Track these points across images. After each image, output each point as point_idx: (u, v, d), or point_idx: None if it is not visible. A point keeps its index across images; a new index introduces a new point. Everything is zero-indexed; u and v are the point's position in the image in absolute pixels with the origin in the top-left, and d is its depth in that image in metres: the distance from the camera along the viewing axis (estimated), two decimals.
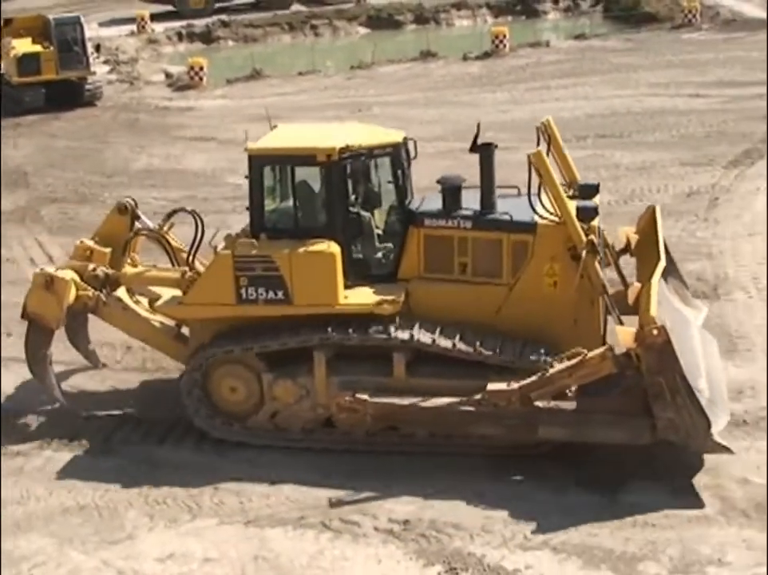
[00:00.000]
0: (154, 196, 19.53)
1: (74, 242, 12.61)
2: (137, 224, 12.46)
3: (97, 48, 31.65)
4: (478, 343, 10.53)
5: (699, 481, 10.22)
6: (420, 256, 11.10)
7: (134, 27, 39.41)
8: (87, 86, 28.57)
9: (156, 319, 11.97)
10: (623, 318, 10.45)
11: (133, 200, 12.69)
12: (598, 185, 11.48)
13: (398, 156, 11.20)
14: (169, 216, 12.44)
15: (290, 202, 11.25)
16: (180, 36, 38.80)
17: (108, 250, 12.26)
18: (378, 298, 10.81)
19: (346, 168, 10.91)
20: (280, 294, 10.80)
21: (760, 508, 9.77)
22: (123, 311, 11.89)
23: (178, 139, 24.71)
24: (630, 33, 37.08)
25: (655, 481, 10.22)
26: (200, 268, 11.72)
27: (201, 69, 31.25)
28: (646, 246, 11.41)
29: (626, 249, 11.89)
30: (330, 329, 10.73)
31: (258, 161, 11.10)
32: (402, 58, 34.45)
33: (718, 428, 9.92)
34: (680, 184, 18.82)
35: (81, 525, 10.12)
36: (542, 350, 10.53)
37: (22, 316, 11.94)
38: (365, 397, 10.61)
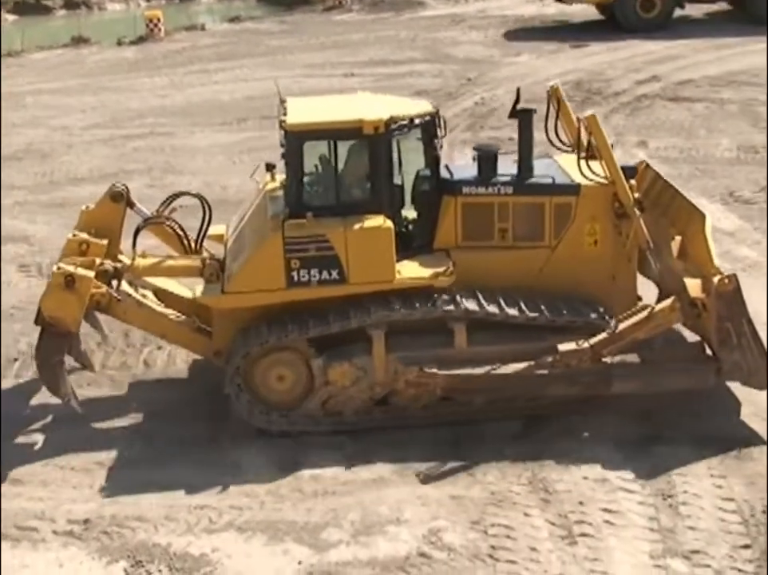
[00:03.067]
0: None
1: None
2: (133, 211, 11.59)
3: None
4: (543, 307, 10.50)
5: (374, 440, 10.58)
6: (457, 225, 10.90)
7: None
8: None
9: (172, 312, 11.17)
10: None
11: (125, 186, 11.72)
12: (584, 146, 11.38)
13: (433, 125, 10.82)
14: (171, 200, 11.65)
15: (333, 178, 10.67)
16: None
17: (104, 242, 11.21)
18: (431, 270, 10.54)
19: (391, 140, 10.53)
20: (335, 274, 10.30)
21: (431, 463, 10.26)
22: (138, 307, 11.02)
23: None
24: (283, 15, 37.66)
25: (334, 449, 10.53)
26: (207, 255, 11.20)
27: None
28: (663, 202, 11.31)
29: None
30: (394, 305, 10.36)
31: (297, 137, 10.37)
32: (54, 45, 33.21)
33: None
34: None
35: None
36: (600, 309, 10.63)
37: (36, 322, 10.84)
38: (434, 370, 10.35)
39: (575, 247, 10.91)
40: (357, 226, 10.28)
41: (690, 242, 10.90)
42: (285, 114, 10.56)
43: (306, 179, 10.61)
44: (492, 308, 10.44)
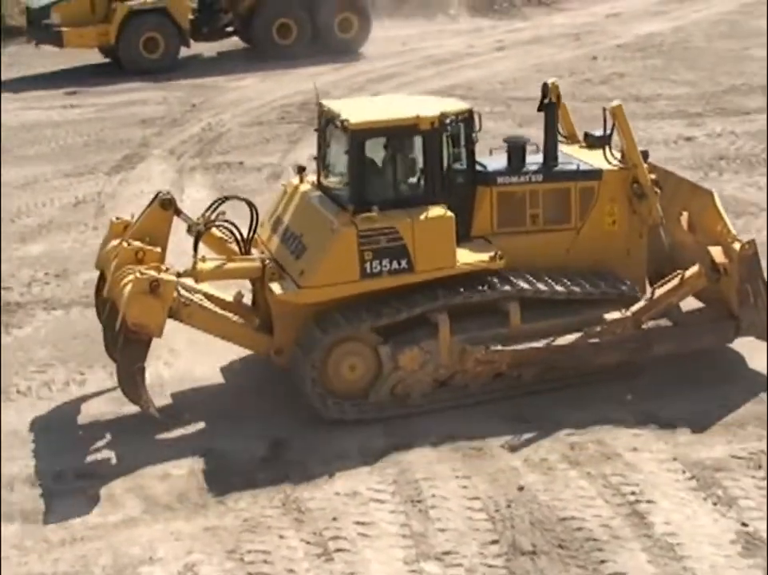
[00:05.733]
0: None
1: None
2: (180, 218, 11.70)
3: None
4: (585, 284, 11.46)
5: (120, 486, 10.31)
6: (493, 213, 11.65)
7: None
8: None
9: (231, 314, 11.35)
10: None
11: (170, 193, 11.83)
12: (606, 135, 12.07)
13: (472, 122, 11.50)
14: (218, 204, 11.60)
15: (391, 172, 11.28)
16: None
17: (159, 249, 11.35)
18: (485, 255, 11.26)
19: (443, 135, 11.17)
20: (404, 263, 10.90)
21: (183, 498, 10.10)
22: (202, 310, 11.18)
23: None
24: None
25: (79, 495, 10.13)
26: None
27: None
28: (669, 187, 12.17)
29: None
30: (458, 289, 11.03)
31: (360, 136, 10.95)
32: None
33: None
34: (66, 195, 18.70)
35: None
36: (627, 281, 11.68)
37: (119, 330, 10.64)
38: (499, 347, 11.02)
39: (597, 227, 11.92)
40: (422, 216, 10.97)
41: (700, 217, 11.92)
42: (339, 116, 11.08)
43: (368, 175, 11.19)
44: (541, 286, 11.31)
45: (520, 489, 10.00)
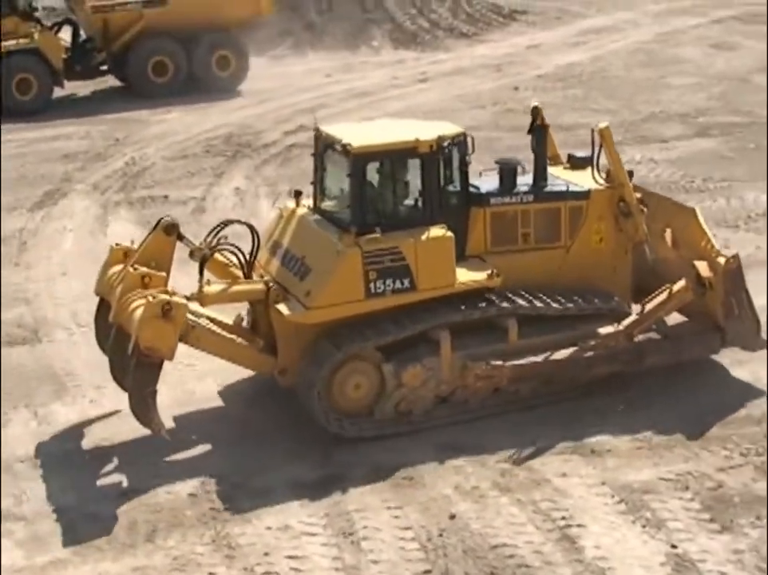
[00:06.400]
0: None
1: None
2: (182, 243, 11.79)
3: None
4: (579, 300, 11.85)
5: (48, 526, 10.11)
6: (486, 233, 11.96)
7: None
8: None
9: (235, 337, 11.48)
10: None
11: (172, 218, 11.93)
12: (590, 156, 12.48)
13: (465, 144, 11.80)
14: (220, 228, 11.78)
15: (391, 194, 11.59)
16: None
17: (164, 274, 11.46)
18: (483, 273, 11.58)
19: (441, 158, 11.45)
20: (406, 282, 11.14)
21: (111, 538, 9.92)
22: (210, 334, 11.29)
23: None
24: None
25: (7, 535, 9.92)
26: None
27: None
28: (651, 206, 12.49)
29: None
30: (459, 307, 11.34)
31: (361, 159, 11.23)
32: None
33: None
34: None
35: None
36: (615, 297, 12.10)
37: (132, 354, 10.59)
38: (499, 362, 11.33)
39: (585, 245, 12.33)
40: (424, 237, 11.26)
41: (684, 233, 12.36)
42: (341, 141, 11.31)
43: (369, 197, 11.46)
44: (538, 303, 11.66)
45: (452, 517, 10.01)
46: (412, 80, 29.46)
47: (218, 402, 12.38)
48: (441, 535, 9.76)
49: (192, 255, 11.75)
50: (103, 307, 11.94)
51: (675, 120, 23.60)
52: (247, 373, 12.27)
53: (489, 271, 11.60)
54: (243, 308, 12.16)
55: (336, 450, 11.15)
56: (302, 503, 10.31)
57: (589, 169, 12.57)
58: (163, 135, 24.47)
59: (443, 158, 11.59)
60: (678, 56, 30.48)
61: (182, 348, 11.11)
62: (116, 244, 12.24)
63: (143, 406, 10.78)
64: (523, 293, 11.73)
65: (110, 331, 11.58)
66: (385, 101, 27.16)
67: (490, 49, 33.59)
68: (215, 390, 12.56)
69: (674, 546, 9.51)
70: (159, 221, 11.89)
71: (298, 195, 12.35)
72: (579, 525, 9.83)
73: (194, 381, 12.68)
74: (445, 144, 11.53)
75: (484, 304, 11.51)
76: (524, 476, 10.65)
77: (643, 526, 9.80)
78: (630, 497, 10.24)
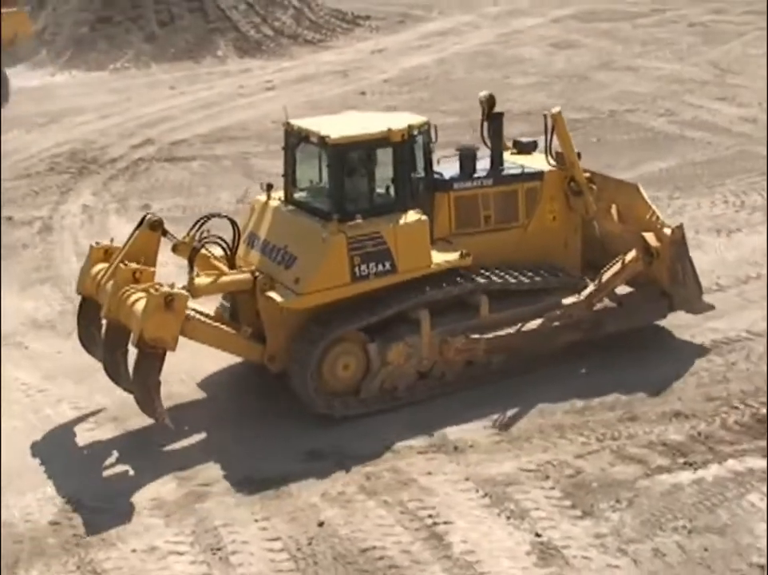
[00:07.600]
0: None
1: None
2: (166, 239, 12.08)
3: None
4: (545, 274, 12.64)
5: None
6: (450, 217, 12.56)
7: None
8: None
9: (225, 326, 11.89)
10: None
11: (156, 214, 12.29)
12: (535, 142, 13.54)
13: (429, 133, 12.38)
14: (202, 223, 12.06)
15: (367, 182, 11.94)
16: None
17: (153, 269, 11.77)
18: (454, 254, 12.16)
19: (412, 146, 12.04)
20: (388, 265, 11.67)
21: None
22: (204, 324, 11.64)
23: None
24: None
25: None
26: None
27: None
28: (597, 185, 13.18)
29: None
30: (437, 286, 11.94)
31: (339, 149, 11.67)
32: None
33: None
34: None
35: None
36: (572, 271, 12.95)
37: (137, 345, 10.88)
38: (477, 335, 12.05)
39: (540, 223, 13.07)
40: (402, 221, 11.84)
41: (629, 208, 13.12)
42: (318, 133, 11.76)
43: (347, 185, 11.83)
44: (510, 279, 12.42)
45: (320, 524, 10.00)
46: (259, 88, 29.44)
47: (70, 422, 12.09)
48: (310, 544, 9.73)
49: (174, 249, 12.09)
50: (86, 306, 12.23)
51: (520, 119, 24.10)
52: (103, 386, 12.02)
53: (460, 252, 12.19)
54: (216, 301, 12.68)
55: (199, 465, 10.99)
56: (168, 522, 10.14)
57: (536, 153, 13.50)
58: (4, 154, 23.77)
59: (413, 146, 12.15)
60: (519, 56, 31.22)
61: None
62: (96, 243, 12.49)
63: (147, 396, 11.03)
64: (495, 270, 12.46)
65: (93, 329, 12.04)
66: (233, 110, 27.05)
67: (335, 55, 33.81)
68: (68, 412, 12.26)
69: (538, 535, 9.70)
70: (143, 218, 12.15)
71: (269, 188, 12.69)
72: (446, 522, 9.94)
73: (49, 408, 12.40)
74: (415, 132, 12.10)
75: (460, 282, 12.14)
76: (390, 477, 10.71)
77: (508, 518, 9.97)
78: (493, 490, 10.41)
